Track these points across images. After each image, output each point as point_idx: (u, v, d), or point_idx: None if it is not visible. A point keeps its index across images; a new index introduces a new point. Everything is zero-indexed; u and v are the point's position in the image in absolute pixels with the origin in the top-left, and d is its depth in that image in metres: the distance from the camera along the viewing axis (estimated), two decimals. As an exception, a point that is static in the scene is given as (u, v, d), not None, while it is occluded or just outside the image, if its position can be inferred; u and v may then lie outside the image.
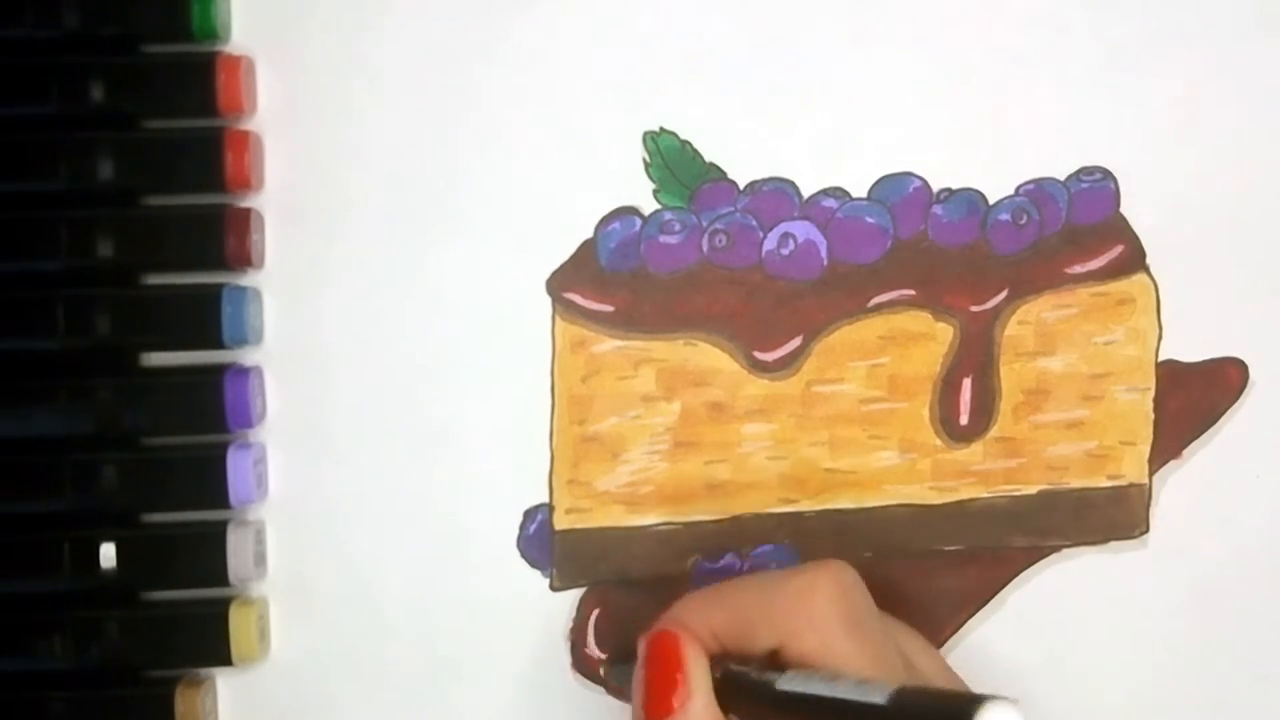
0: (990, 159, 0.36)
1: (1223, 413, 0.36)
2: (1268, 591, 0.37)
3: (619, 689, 0.35)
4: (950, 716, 0.25)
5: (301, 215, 0.36)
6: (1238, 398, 0.36)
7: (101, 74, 0.34)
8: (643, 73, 0.36)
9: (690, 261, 0.36)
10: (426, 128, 0.35)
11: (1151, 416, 0.36)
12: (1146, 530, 0.37)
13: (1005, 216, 0.36)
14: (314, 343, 0.36)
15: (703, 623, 0.31)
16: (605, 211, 0.36)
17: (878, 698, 0.26)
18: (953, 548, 0.36)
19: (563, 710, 0.36)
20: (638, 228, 0.36)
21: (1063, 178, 0.36)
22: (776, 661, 0.30)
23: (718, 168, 0.36)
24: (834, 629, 0.30)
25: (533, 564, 0.36)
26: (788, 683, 0.28)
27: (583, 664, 0.36)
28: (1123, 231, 0.36)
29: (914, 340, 0.36)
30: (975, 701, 0.24)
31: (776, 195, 0.36)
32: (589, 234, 0.36)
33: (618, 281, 0.36)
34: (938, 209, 0.36)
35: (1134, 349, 0.36)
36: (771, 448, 0.36)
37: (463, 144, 0.36)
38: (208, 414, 0.34)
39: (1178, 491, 0.37)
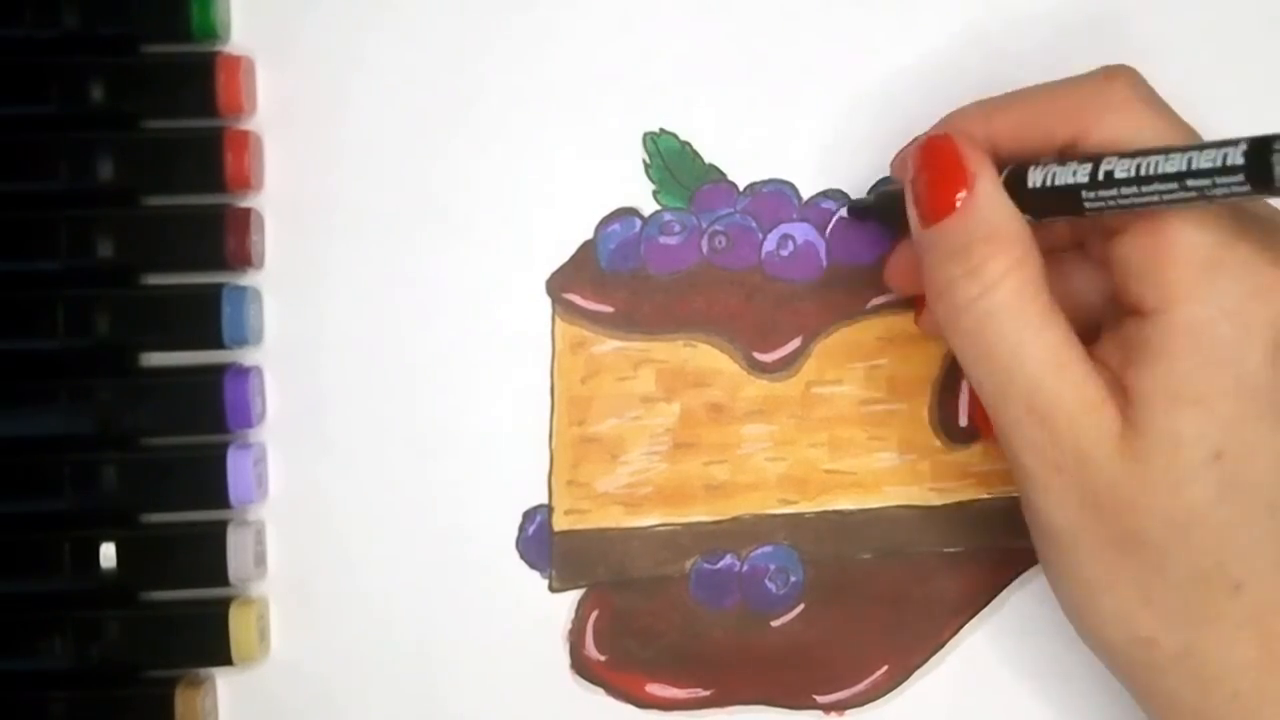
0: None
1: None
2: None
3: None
4: None
5: (301, 215, 0.36)
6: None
7: (101, 74, 0.34)
8: (643, 73, 0.36)
9: (690, 262, 0.36)
10: (426, 128, 0.35)
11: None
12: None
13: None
14: (314, 343, 0.36)
15: (979, 128, 0.30)
16: (605, 212, 0.36)
17: (1235, 155, 0.25)
18: (953, 549, 0.36)
19: (561, 711, 0.36)
20: (638, 229, 0.36)
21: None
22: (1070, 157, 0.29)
23: (718, 169, 0.36)
24: (1142, 107, 0.29)
25: (532, 565, 0.36)
26: (1112, 163, 0.27)
27: (582, 665, 0.36)
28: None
29: (913, 341, 0.36)
30: None
31: (776, 197, 0.36)
32: (589, 235, 0.36)
33: (617, 282, 0.36)
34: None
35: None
36: (771, 449, 0.36)
37: (463, 144, 0.36)
38: (208, 414, 0.34)
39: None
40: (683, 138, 0.36)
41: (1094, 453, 0.28)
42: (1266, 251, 0.28)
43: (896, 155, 0.33)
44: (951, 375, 0.36)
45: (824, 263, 0.36)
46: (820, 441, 0.36)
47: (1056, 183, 0.29)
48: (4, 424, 0.35)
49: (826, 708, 0.36)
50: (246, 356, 0.35)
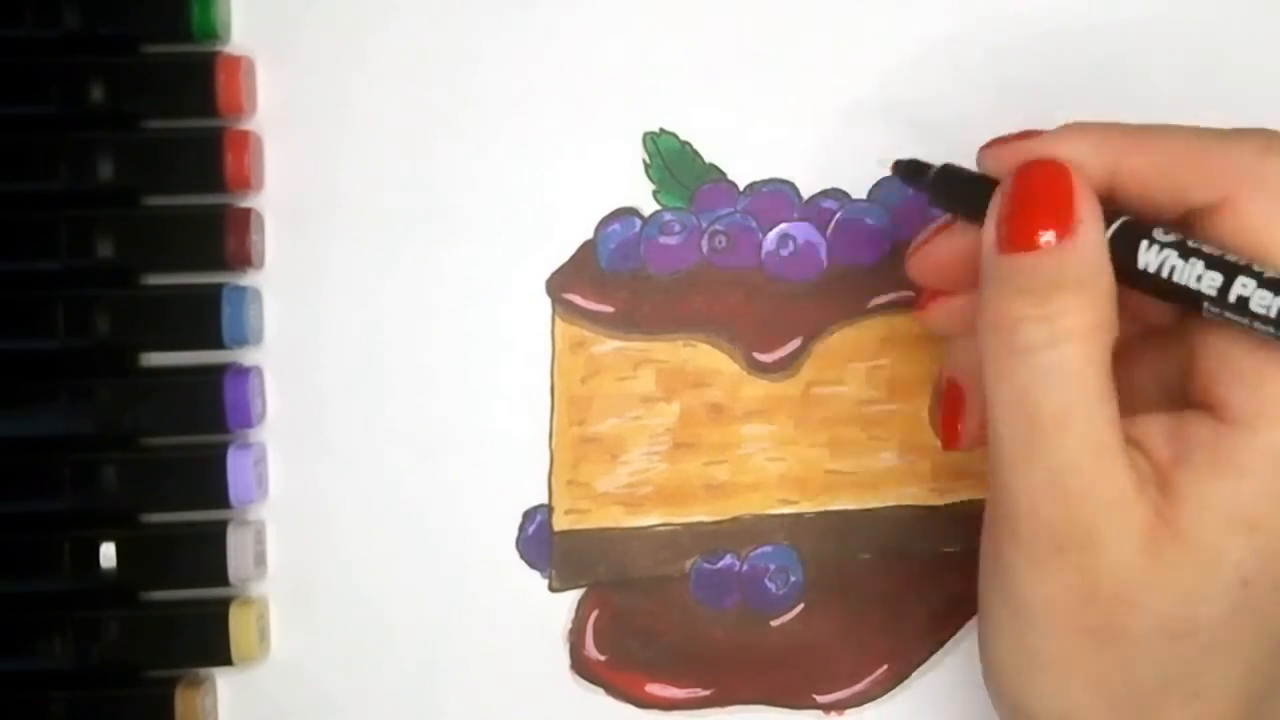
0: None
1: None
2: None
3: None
4: None
5: (301, 215, 0.36)
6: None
7: (101, 74, 0.34)
8: (643, 73, 0.36)
9: (690, 262, 0.36)
10: (426, 128, 0.35)
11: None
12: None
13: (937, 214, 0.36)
14: (314, 343, 0.36)
15: (1101, 157, 0.27)
16: (605, 212, 0.36)
17: None
18: (953, 549, 0.36)
19: (562, 711, 0.36)
20: (638, 228, 0.36)
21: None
22: (1187, 230, 0.26)
23: (718, 168, 0.36)
24: None
25: (532, 565, 0.36)
26: (1248, 288, 0.24)
27: (582, 665, 0.36)
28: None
29: (913, 342, 0.36)
30: None
31: (776, 196, 0.36)
32: (589, 235, 0.36)
33: (617, 282, 0.36)
34: (938, 211, 0.35)
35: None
36: (771, 449, 0.36)
37: (463, 144, 0.36)
38: (208, 414, 0.34)
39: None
40: (683, 138, 0.36)
41: (1112, 544, 0.26)
42: None
43: (994, 142, 0.29)
44: (951, 375, 0.36)
45: (824, 263, 0.36)
46: (820, 441, 0.36)
47: (1175, 278, 0.26)
48: (4, 424, 0.35)
49: (826, 707, 0.36)
50: (246, 356, 0.35)
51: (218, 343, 0.34)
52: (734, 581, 0.36)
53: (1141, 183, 0.27)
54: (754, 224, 0.36)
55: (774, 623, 0.36)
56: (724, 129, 0.36)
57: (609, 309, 0.36)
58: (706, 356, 0.36)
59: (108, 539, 0.34)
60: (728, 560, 0.36)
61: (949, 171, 0.31)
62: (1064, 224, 0.26)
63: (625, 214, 0.36)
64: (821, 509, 0.36)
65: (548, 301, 0.36)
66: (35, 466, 0.35)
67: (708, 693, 0.36)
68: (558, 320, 0.36)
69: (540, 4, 0.36)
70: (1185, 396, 0.28)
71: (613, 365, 0.36)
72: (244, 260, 0.34)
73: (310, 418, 0.36)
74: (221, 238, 0.34)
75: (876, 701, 0.36)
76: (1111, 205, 0.27)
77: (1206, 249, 0.26)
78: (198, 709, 0.34)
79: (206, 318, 0.34)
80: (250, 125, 0.35)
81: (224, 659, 0.34)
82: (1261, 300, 0.25)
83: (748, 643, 0.36)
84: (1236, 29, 0.36)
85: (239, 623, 0.34)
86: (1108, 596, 0.27)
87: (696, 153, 0.36)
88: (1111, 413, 0.27)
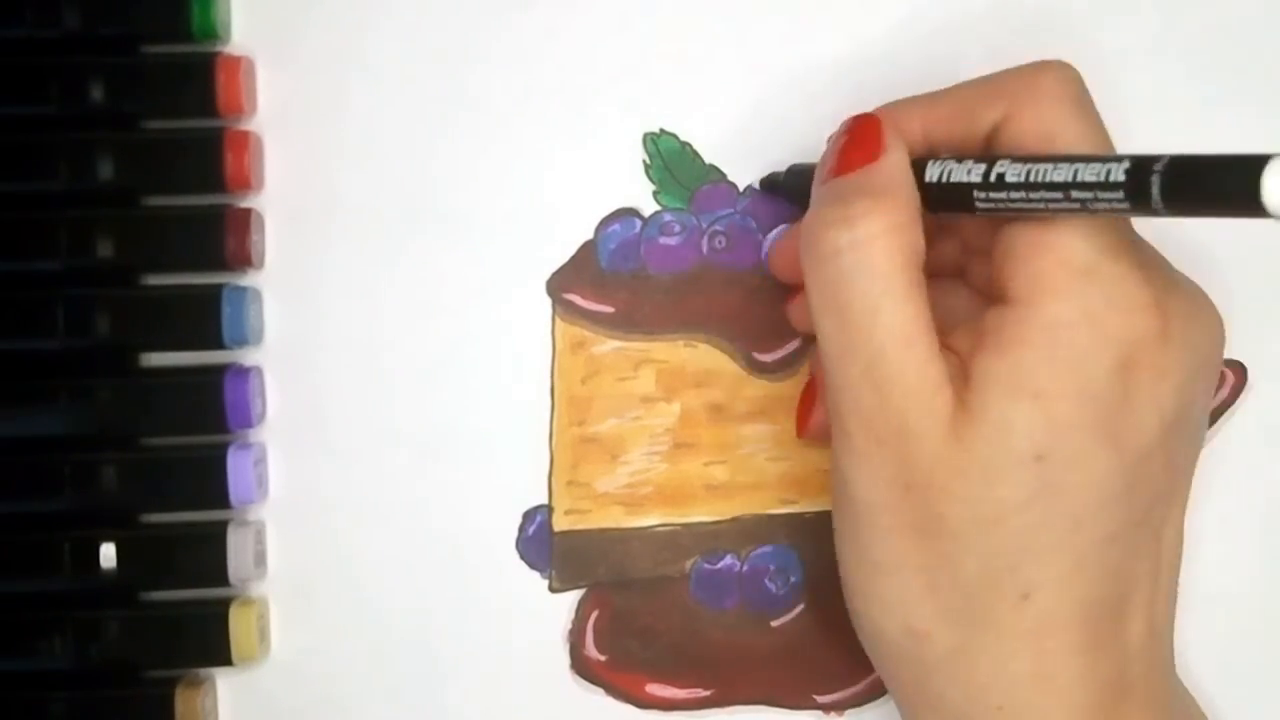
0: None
1: (1221, 414, 0.36)
2: (1264, 592, 0.37)
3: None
4: (1226, 180, 0.24)
5: (301, 215, 0.36)
6: (1236, 399, 0.36)
7: (101, 74, 0.34)
8: (643, 73, 0.36)
9: (690, 263, 0.36)
10: (426, 128, 0.35)
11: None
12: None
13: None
14: (314, 343, 0.36)
15: (916, 117, 0.30)
16: (605, 213, 0.36)
17: (1118, 172, 0.25)
18: (952, 549, 0.36)
19: (562, 711, 0.36)
20: (638, 229, 0.36)
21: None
22: (990, 151, 0.29)
23: (718, 169, 0.36)
24: (1065, 103, 0.29)
25: (532, 565, 0.36)
26: (1004, 166, 0.27)
27: (582, 665, 0.36)
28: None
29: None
30: (1258, 161, 0.23)
31: (776, 197, 0.36)
32: (589, 235, 0.36)
33: (618, 282, 0.36)
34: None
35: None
36: (771, 449, 0.36)
37: (463, 145, 0.36)
38: (208, 414, 0.34)
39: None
40: (683, 138, 0.36)
41: (921, 431, 0.28)
42: (1139, 271, 0.28)
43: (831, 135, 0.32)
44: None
45: (824, 263, 0.36)
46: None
47: (951, 179, 0.29)
48: (4, 424, 0.35)
49: (826, 707, 0.36)
50: (246, 356, 0.35)
51: (218, 343, 0.34)
52: (734, 581, 0.36)
53: (947, 127, 0.30)
54: (754, 224, 0.36)
55: (774, 623, 0.36)
56: (724, 129, 0.36)
57: (609, 309, 0.36)
58: (706, 356, 0.36)
59: (108, 539, 0.34)
60: (728, 560, 0.36)
61: (796, 170, 0.34)
62: (871, 150, 0.29)
63: (625, 214, 0.36)
64: (821, 509, 0.36)
65: (548, 301, 0.36)
66: (35, 466, 0.35)
67: (708, 693, 0.36)
68: (558, 320, 0.36)
69: (540, 4, 0.36)
70: (989, 297, 0.29)
71: (613, 365, 0.36)
72: (244, 260, 0.34)
73: (310, 418, 0.36)
74: (221, 238, 0.34)
75: (876, 701, 0.36)
76: (932, 153, 0.30)
77: (977, 155, 0.29)
78: (198, 709, 0.34)
79: (206, 318, 0.34)
80: (250, 125, 0.35)
81: (224, 659, 0.34)
82: (1015, 172, 0.27)
83: (748, 643, 0.36)
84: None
85: (239, 623, 0.34)
86: (922, 485, 0.28)
87: (696, 153, 0.36)
88: (917, 311, 0.28)
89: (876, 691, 0.36)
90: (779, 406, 0.36)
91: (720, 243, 0.36)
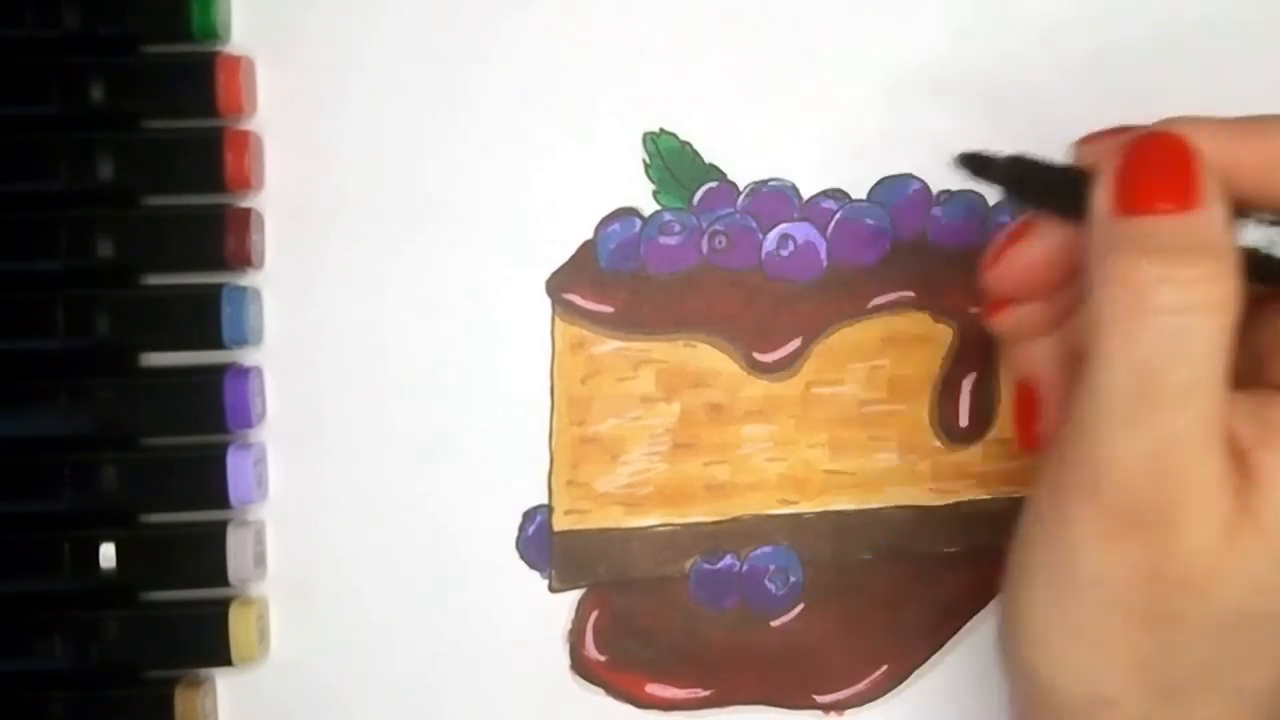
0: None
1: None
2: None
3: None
4: None
5: (301, 215, 0.36)
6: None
7: (101, 74, 0.34)
8: (643, 73, 0.36)
9: (690, 263, 0.36)
10: (426, 128, 0.35)
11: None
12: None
13: (1005, 218, 0.36)
14: (314, 343, 0.36)
15: (1214, 144, 0.26)
16: (605, 212, 0.36)
17: None
18: (953, 549, 0.36)
19: (561, 711, 0.36)
20: (638, 229, 0.36)
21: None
22: None
23: (718, 169, 0.36)
24: None
25: (532, 565, 0.36)
26: None
27: (582, 665, 0.36)
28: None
29: (913, 342, 0.36)
30: None
31: (776, 197, 0.36)
32: (589, 235, 0.36)
33: (617, 282, 0.36)
34: (937, 211, 0.36)
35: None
36: (771, 449, 0.36)
37: (462, 144, 0.36)
38: (208, 414, 0.34)
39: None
40: (683, 138, 0.36)
41: (1193, 527, 0.26)
42: None
43: (1089, 136, 0.29)
44: (952, 376, 0.36)
45: (824, 263, 0.36)
46: (820, 442, 0.36)
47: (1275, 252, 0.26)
48: (4, 424, 0.35)
49: (826, 708, 0.36)
50: (246, 356, 0.35)
51: (218, 343, 0.34)
52: (734, 582, 0.36)
53: (1254, 170, 0.26)
54: (754, 224, 0.36)
55: (774, 623, 0.36)
56: (724, 129, 0.36)
57: (609, 309, 0.36)
58: (706, 356, 0.36)
59: (108, 539, 0.34)
60: (728, 560, 0.36)
61: (1021, 163, 0.29)
62: (1187, 190, 0.26)
63: (625, 214, 0.36)
64: (821, 509, 0.36)
65: (548, 301, 0.36)
66: (35, 466, 0.35)
67: (708, 693, 0.36)
68: (558, 320, 0.36)
69: (539, 4, 0.36)
70: (1265, 379, 0.27)
71: (613, 365, 0.36)
72: (244, 260, 0.34)
73: (310, 418, 0.36)
74: (221, 238, 0.34)
75: (876, 701, 0.36)
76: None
77: None
78: (198, 709, 0.34)
79: (206, 318, 0.34)
80: (250, 125, 0.35)
81: (224, 659, 0.34)
82: None
83: (747, 643, 0.36)
84: (1236, 28, 0.36)
85: (239, 623, 0.34)
86: (1175, 580, 0.26)
87: (696, 153, 0.36)
88: (1226, 393, 0.26)
89: (876, 691, 0.36)
90: (779, 406, 0.36)
91: (720, 243, 0.36)
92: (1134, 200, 0.26)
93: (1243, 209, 0.26)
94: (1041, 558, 0.28)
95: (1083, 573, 0.27)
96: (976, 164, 0.30)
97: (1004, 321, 0.31)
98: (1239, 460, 0.26)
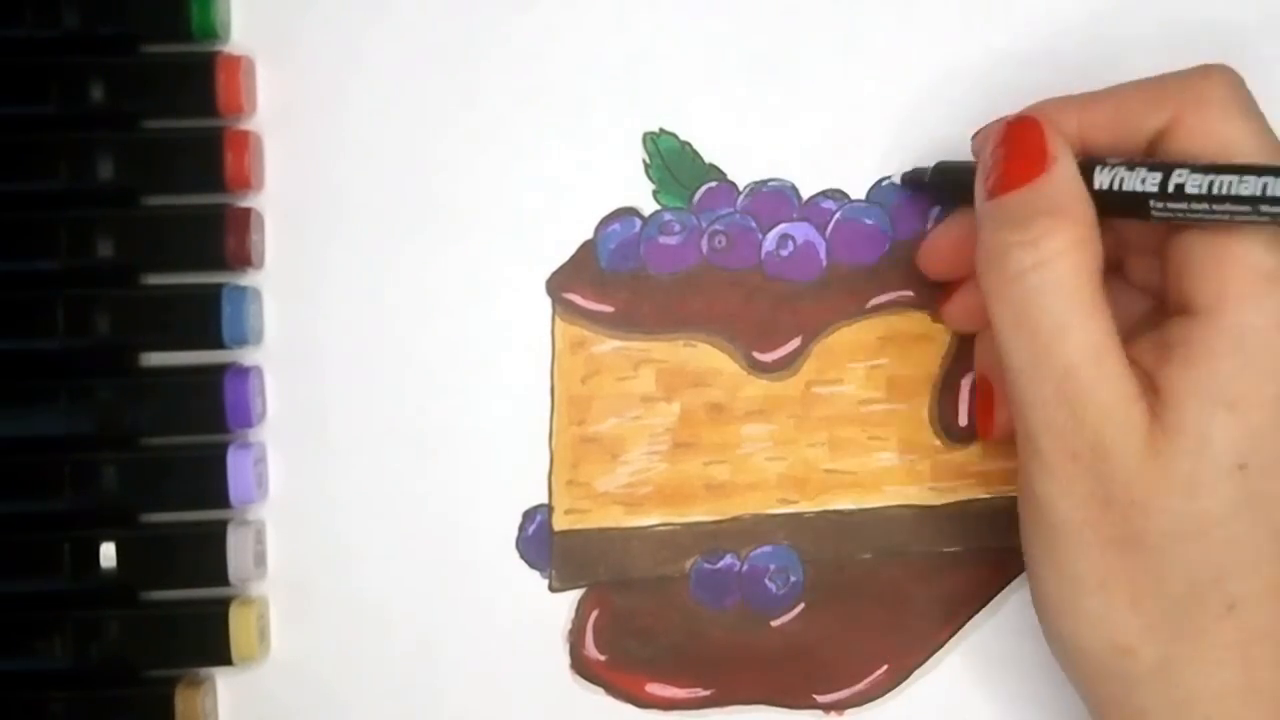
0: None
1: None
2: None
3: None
4: None
5: (301, 215, 0.36)
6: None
7: (101, 74, 0.34)
8: (643, 73, 0.36)
9: (690, 262, 0.36)
10: (426, 128, 0.35)
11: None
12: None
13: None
14: (314, 343, 0.36)
15: (1070, 119, 0.30)
16: (605, 212, 0.36)
17: None
18: (953, 549, 0.36)
19: (562, 711, 0.36)
20: (637, 229, 0.36)
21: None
22: (1154, 156, 0.29)
23: (717, 169, 0.36)
24: (1234, 110, 0.28)
25: (532, 565, 0.36)
26: (1183, 176, 0.27)
27: (582, 665, 0.36)
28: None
29: (913, 341, 0.36)
30: None
31: (776, 196, 0.36)
32: (589, 235, 0.36)
33: (617, 282, 0.36)
34: (936, 211, 0.36)
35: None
36: (771, 448, 0.36)
37: (463, 144, 0.36)
38: (208, 414, 0.34)
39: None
40: (683, 138, 0.36)
41: (1117, 446, 0.28)
42: None
43: (978, 131, 0.33)
44: (951, 375, 0.36)
45: (824, 262, 0.36)
46: (820, 441, 0.36)
47: (1124, 187, 0.29)
48: (4, 424, 0.35)
49: (826, 707, 0.36)
50: (246, 356, 0.35)
51: (218, 343, 0.34)
52: (734, 581, 0.36)
53: (1106, 130, 0.30)
54: (754, 224, 0.36)
55: (774, 623, 0.36)
56: (724, 129, 0.36)
57: (609, 309, 0.36)
58: (706, 356, 0.36)
59: (108, 539, 0.34)
60: (728, 560, 0.36)
61: (942, 167, 0.34)
62: (1038, 162, 0.29)
63: (625, 214, 0.36)
64: (821, 509, 0.36)
65: (548, 301, 0.36)
66: (35, 466, 0.35)
67: (708, 693, 0.36)
68: (558, 320, 0.36)
69: (540, 4, 0.36)
70: (1169, 310, 0.30)
71: (613, 365, 0.36)
72: (244, 260, 0.34)
73: (310, 418, 0.36)
74: (221, 238, 0.34)
75: (876, 701, 0.36)
76: (1088, 154, 0.30)
77: (1149, 160, 0.29)
78: (198, 709, 0.34)
79: (206, 318, 0.34)
80: (250, 125, 0.35)
81: (224, 659, 0.34)
82: (1195, 183, 0.27)
83: (748, 643, 0.36)
84: (1241, 29, 0.36)
85: (239, 623, 0.34)
86: (1122, 501, 0.28)
87: (696, 153, 0.36)
88: (1104, 323, 0.28)
89: (876, 691, 0.36)
90: (779, 406, 0.36)
91: (720, 242, 0.36)
92: (996, 183, 0.30)
93: (1097, 158, 0.29)
94: (1027, 525, 0.30)
95: (1053, 519, 0.29)
96: (914, 180, 0.35)
97: (951, 312, 0.35)
98: (1147, 383, 0.29)
